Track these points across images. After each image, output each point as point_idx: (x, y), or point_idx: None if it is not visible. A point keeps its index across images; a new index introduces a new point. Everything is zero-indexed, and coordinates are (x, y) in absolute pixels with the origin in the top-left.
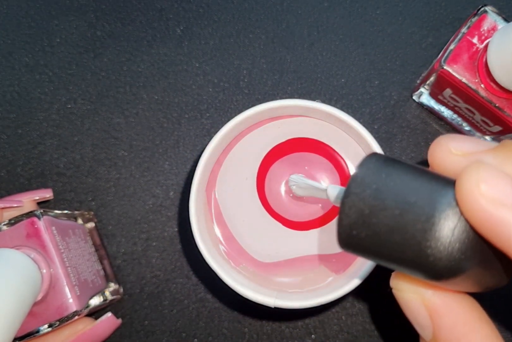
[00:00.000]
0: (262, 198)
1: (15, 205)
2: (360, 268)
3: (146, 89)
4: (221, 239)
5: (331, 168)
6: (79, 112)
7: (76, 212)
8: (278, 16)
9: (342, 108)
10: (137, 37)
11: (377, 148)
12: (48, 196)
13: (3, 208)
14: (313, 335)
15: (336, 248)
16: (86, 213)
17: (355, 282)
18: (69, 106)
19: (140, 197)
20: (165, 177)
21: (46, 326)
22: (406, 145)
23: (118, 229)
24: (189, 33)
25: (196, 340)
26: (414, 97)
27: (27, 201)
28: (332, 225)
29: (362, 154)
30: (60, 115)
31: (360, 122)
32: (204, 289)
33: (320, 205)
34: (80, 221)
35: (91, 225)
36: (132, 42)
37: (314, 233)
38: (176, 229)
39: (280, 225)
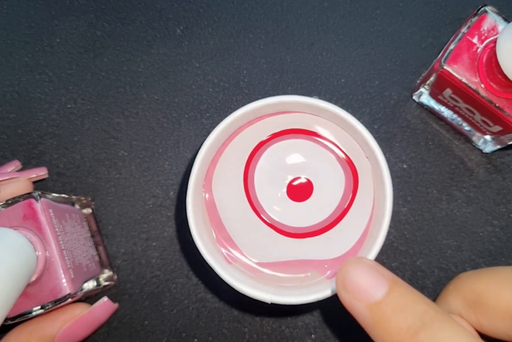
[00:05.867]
0: (250, 198)
1: (11, 177)
2: None
3: (146, 89)
4: (218, 235)
5: (326, 153)
6: (79, 112)
7: (73, 197)
8: (278, 16)
9: (342, 108)
10: (137, 37)
11: (374, 145)
12: (42, 174)
13: (1, 181)
14: (313, 335)
15: (329, 254)
16: (83, 198)
17: None
18: (69, 106)
19: (140, 197)
20: (165, 177)
21: (38, 307)
22: (406, 145)
23: (118, 229)
24: (189, 33)
25: (196, 340)
26: (414, 97)
27: (23, 179)
28: (327, 234)
29: (359, 149)
30: (60, 115)
31: (360, 122)
32: (204, 289)
33: (317, 210)
34: (77, 206)
35: (88, 210)
36: (132, 42)
37: (307, 240)
38: (176, 229)
39: (272, 231)
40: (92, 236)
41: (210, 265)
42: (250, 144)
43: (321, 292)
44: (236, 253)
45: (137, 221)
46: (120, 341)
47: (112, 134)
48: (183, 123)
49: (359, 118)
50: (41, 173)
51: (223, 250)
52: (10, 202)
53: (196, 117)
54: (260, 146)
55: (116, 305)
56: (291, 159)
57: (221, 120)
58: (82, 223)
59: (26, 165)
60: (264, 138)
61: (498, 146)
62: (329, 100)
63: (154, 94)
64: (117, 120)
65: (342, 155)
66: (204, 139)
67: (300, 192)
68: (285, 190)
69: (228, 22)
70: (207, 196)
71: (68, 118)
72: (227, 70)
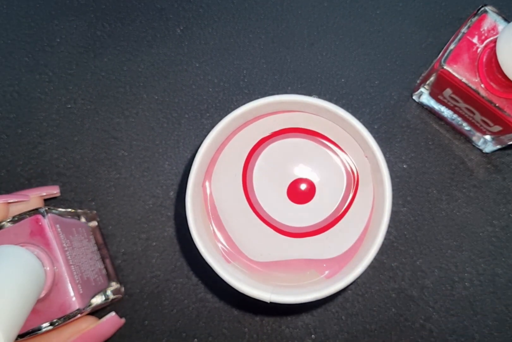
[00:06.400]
0: (249, 197)
1: (21, 199)
2: (353, 267)
3: (146, 89)
4: (217, 234)
5: (325, 152)
6: (79, 112)
7: (79, 210)
8: (278, 16)
9: (342, 108)
10: (137, 37)
11: (374, 145)
12: (55, 192)
13: (9, 203)
14: (313, 335)
15: (327, 254)
16: (89, 211)
17: (351, 277)
18: (69, 106)
19: (140, 197)
20: (165, 177)
21: (47, 324)
22: (406, 145)
23: (118, 229)
24: (189, 33)
25: (196, 340)
26: (414, 97)
27: (34, 197)
28: (326, 234)
29: (358, 149)
30: (60, 115)
31: (360, 122)
32: (204, 289)
33: (317, 210)
34: (83, 219)
35: (93, 223)
36: (132, 42)
37: (306, 239)
38: (176, 229)
39: (271, 230)
40: (99, 249)
41: (209, 263)
42: (249, 143)
43: (320, 291)
44: (235, 252)
45: (137, 221)
46: (120, 341)
47: (112, 134)
48: (183, 123)
49: (359, 118)
50: (53, 191)
51: (222, 249)
52: (17, 219)
53: (196, 117)
54: (259, 145)
55: (123, 320)
56: (290, 159)
57: (221, 120)
58: (89, 237)
59: (26, 165)
60: (263, 137)
61: (498, 146)
62: (329, 100)
63: (154, 94)
64: (117, 120)
65: (341, 154)
66: (204, 138)
67: (301, 195)
68: (285, 191)
69: (228, 22)
70: (206, 194)
71: (68, 118)
72: (227, 70)
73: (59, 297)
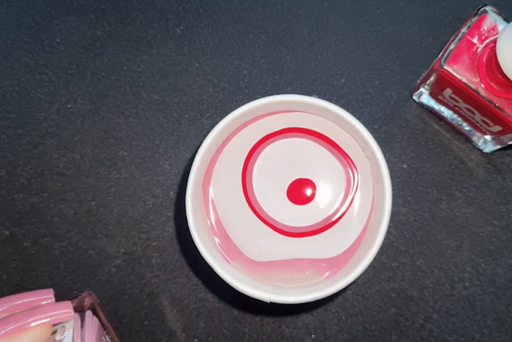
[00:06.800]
0: (248, 197)
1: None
2: (353, 267)
3: (146, 89)
4: (217, 234)
5: (325, 152)
6: (79, 112)
7: (85, 304)
8: (278, 16)
9: (342, 108)
10: (137, 37)
11: (374, 145)
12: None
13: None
14: (313, 335)
15: (327, 253)
16: (86, 294)
17: (351, 277)
18: (69, 106)
19: (140, 197)
20: (165, 177)
21: None
22: (406, 145)
23: (118, 229)
24: (189, 33)
25: (196, 340)
26: (414, 97)
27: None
28: (325, 234)
29: (358, 149)
30: (60, 115)
31: (360, 122)
32: (204, 289)
33: (317, 210)
34: (88, 312)
35: (96, 305)
36: (132, 42)
37: (306, 239)
38: (176, 229)
39: (270, 230)
40: (107, 333)
41: (208, 263)
42: (249, 143)
43: (320, 291)
44: (234, 252)
45: (137, 221)
46: (120, 341)
47: (112, 134)
48: (183, 123)
49: (359, 118)
50: (66, 314)
51: (222, 249)
52: None
53: (196, 117)
54: (259, 145)
55: None
56: (290, 159)
57: (221, 120)
58: (102, 332)
59: (26, 165)
60: (263, 137)
61: (498, 146)
62: (329, 100)
63: (154, 94)
64: (117, 120)
65: (341, 154)
66: (204, 138)
67: (301, 196)
68: (285, 192)
69: (228, 22)
70: (206, 194)
71: (68, 118)
72: (227, 70)
73: None
